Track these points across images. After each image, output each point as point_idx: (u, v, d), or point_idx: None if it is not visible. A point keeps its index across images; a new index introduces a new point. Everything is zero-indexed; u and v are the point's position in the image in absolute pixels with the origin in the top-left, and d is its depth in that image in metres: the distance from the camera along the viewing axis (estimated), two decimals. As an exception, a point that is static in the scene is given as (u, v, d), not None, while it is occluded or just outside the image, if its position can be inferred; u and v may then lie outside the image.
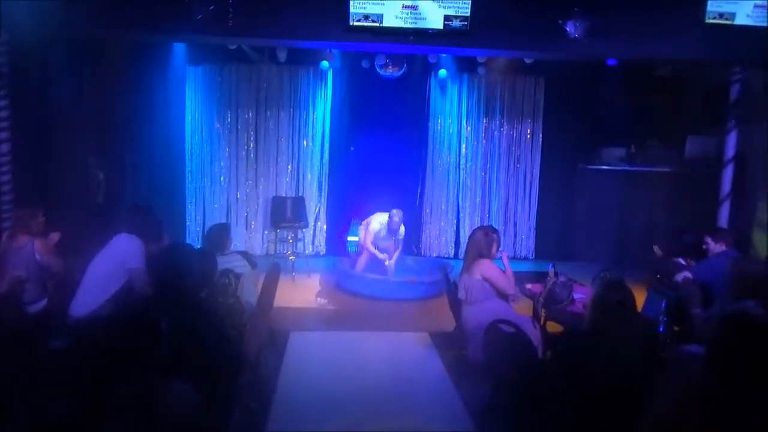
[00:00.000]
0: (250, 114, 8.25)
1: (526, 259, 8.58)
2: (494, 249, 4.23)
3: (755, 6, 5.37)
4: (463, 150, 8.53)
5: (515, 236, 8.73)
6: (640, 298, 4.06)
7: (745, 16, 5.34)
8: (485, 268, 4.12)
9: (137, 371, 2.21)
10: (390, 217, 6.71)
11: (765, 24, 5.35)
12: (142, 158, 7.11)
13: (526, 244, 8.71)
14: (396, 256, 6.79)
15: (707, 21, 5.40)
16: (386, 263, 6.70)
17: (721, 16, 5.35)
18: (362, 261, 6.86)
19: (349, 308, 6.11)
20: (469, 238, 4.40)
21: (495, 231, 4.34)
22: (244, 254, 4.45)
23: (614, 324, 2.60)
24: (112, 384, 2.13)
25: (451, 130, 8.51)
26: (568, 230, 8.66)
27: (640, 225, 7.88)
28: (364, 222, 6.90)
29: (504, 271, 4.20)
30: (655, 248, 4.50)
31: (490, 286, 4.09)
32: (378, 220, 6.75)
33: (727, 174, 7.08)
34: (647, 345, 2.83)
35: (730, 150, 7.08)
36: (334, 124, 8.35)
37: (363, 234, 6.81)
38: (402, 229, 6.81)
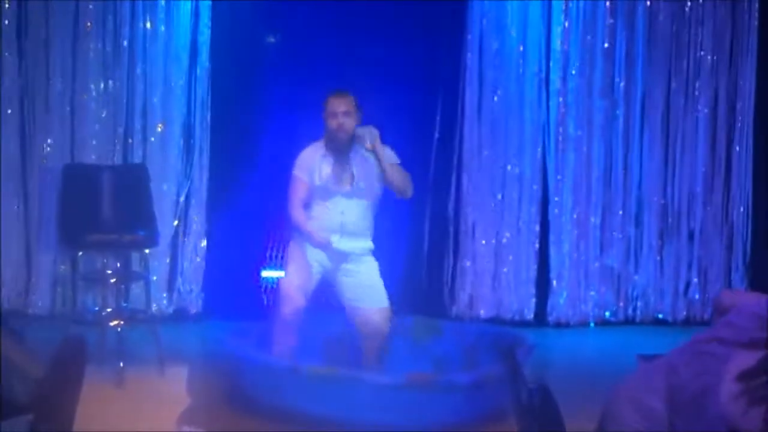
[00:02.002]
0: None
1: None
2: None
3: None
4: (560, 105, 9.21)
5: (695, 266, 9.40)
6: None
7: None
8: None
9: None
10: (328, 109, 7.04)
11: None
12: None
13: (718, 281, 9.39)
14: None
15: None
16: (330, 242, 6.98)
17: None
18: (285, 321, 6.98)
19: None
20: None
21: None
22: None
23: None
24: None
25: (522, 59, 9.17)
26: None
27: None
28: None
29: None
30: None
31: None
32: (311, 149, 7.17)
33: None
34: None
35: None
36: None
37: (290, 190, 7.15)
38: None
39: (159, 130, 8.75)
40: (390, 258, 7.41)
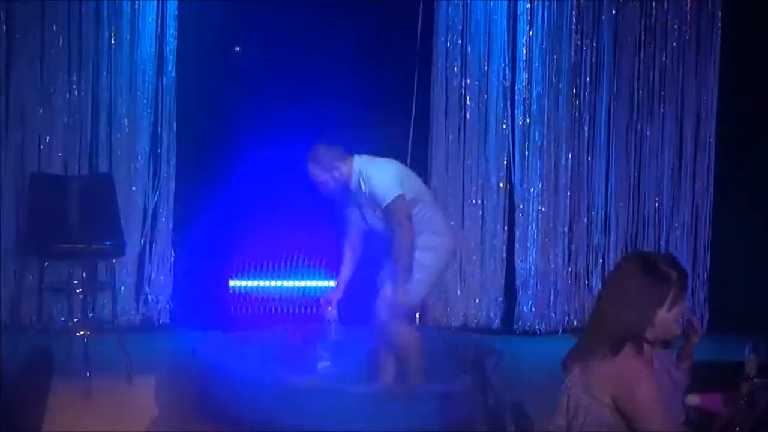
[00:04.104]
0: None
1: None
2: (672, 314, 4.18)
3: None
4: (524, 98, 9.28)
5: None
6: None
7: None
8: (634, 380, 4.05)
9: None
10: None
11: None
12: None
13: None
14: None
15: None
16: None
17: None
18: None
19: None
20: (605, 282, 4.47)
21: (677, 267, 4.24)
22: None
23: None
24: None
25: (487, 67, 9.22)
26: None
27: None
28: None
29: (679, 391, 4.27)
30: None
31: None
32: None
33: None
34: None
35: None
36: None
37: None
38: (368, 183, 6.84)
39: (126, 139, 8.76)
40: (358, 267, 7.40)
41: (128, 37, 8.74)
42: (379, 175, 6.70)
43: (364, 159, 6.80)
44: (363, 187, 6.72)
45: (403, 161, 8.85)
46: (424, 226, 6.83)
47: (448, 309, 9.15)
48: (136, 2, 8.76)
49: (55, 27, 8.61)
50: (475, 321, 9.10)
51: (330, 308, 6.99)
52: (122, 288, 8.56)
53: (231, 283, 8.88)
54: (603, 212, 9.31)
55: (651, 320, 4.16)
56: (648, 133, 9.27)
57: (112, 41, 8.71)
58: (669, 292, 4.14)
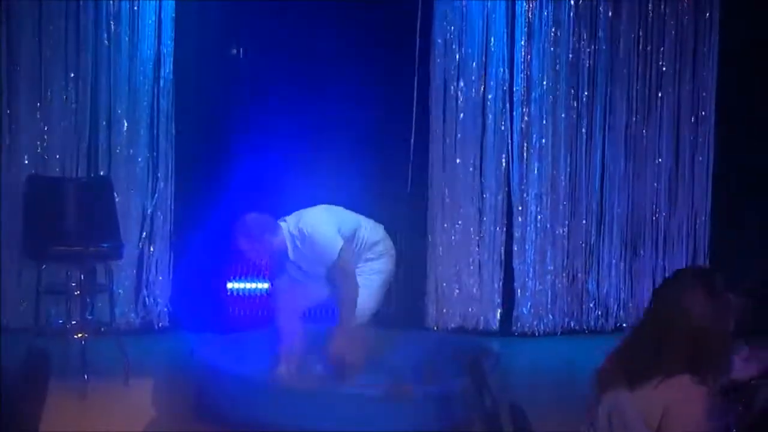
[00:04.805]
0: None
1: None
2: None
3: None
4: (522, 100, 9.22)
5: (659, 275, 9.44)
6: None
7: None
8: (691, 404, 3.93)
9: None
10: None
11: None
12: None
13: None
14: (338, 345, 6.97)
15: None
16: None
17: None
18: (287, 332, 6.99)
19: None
20: (653, 300, 4.26)
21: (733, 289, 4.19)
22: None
23: None
24: None
25: (485, 70, 9.16)
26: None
27: None
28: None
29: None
30: None
31: None
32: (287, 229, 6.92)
33: None
34: None
35: None
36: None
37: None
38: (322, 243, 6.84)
39: (124, 142, 8.73)
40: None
41: (127, 39, 8.68)
42: (317, 231, 6.76)
43: (292, 220, 6.82)
44: (302, 247, 6.75)
45: (404, 164, 8.92)
46: (367, 248, 6.95)
47: (446, 311, 9.13)
48: (135, 3, 8.72)
49: (52, 28, 8.55)
50: (473, 322, 9.09)
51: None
52: (121, 291, 8.54)
53: (229, 285, 8.86)
54: (601, 214, 9.30)
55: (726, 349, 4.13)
56: (646, 135, 9.22)
57: (110, 43, 8.65)
58: (731, 317, 4.09)
